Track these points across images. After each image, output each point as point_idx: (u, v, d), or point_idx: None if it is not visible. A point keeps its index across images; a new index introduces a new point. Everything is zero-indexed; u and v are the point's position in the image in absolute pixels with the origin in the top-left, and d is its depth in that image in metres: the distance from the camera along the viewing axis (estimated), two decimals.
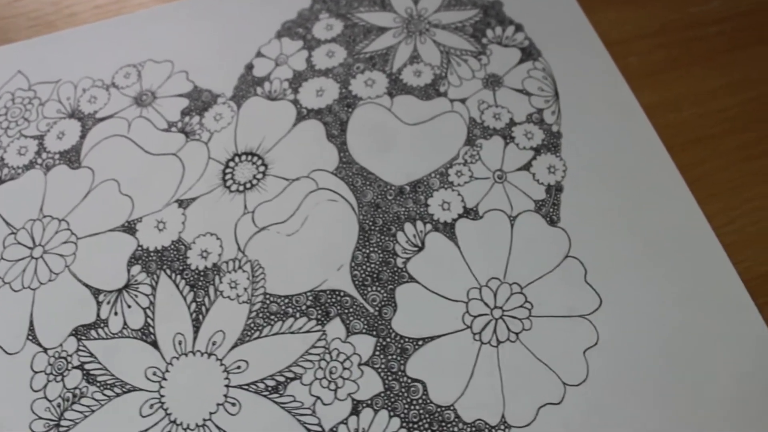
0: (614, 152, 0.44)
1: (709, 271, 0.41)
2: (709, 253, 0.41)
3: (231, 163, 0.46)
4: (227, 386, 0.39)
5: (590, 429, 0.37)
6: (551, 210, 0.43)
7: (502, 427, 0.37)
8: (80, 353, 0.41)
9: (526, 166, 0.44)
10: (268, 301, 0.41)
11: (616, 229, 0.42)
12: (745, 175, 0.44)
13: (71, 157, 0.47)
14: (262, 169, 0.45)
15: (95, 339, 0.41)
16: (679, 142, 0.45)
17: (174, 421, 0.39)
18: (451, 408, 0.38)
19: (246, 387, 0.39)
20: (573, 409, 0.37)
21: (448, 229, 0.43)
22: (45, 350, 0.41)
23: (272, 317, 0.41)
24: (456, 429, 0.37)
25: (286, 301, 0.41)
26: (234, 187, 0.45)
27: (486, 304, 0.40)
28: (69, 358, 0.41)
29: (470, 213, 0.43)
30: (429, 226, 0.43)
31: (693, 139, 0.45)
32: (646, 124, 0.45)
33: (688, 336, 0.39)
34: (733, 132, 0.45)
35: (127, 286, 0.42)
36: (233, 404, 0.39)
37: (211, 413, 0.39)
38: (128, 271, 0.43)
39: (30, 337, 0.42)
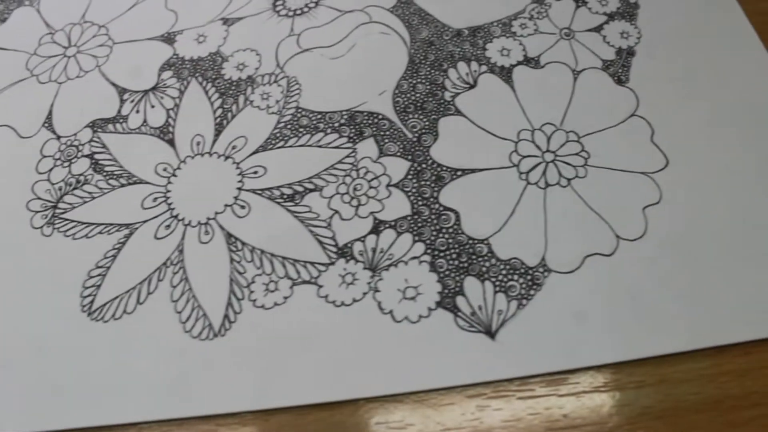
0: (698, 28, 0.40)
1: None
2: None
3: None
4: (239, 189, 0.36)
5: (639, 286, 0.31)
6: (620, 70, 0.39)
7: (541, 269, 0.32)
8: (93, 143, 0.38)
9: (597, 29, 0.41)
10: (299, 115, 0.38)
11: (691, 97, 0.37)
12: None
13: None
14: None
15: (111, 132, 0.38)
16: None
17: (176, 216, 0.35)
18: (485, 242, 0.33)
19: (260, 192, 0.35)
20: (624, 263, 0.32)
21: (504, 73, 0.39)
22: (58, 137, 0.39)
23: (301, 130, 0.37)
24: (488, 264, 0.32)
25: (319, 116, 0.38)
26: (283, 12, 0.42)
27: (537, 147, 0.36)
28: (80, 147, 0.38)
29: (531, 62, 0.39)
30: (484, 68, 0.39)
31: None
32: (736, 8, 0.41)
33: (761, 206, 0.33)
34: None
35: (154, 88, 0.40)
36: (242, 207, 0.35)
37: (216, 213, 0.35)
38: (159, 75, 0.40)
39: (46, 125, 0.39)
